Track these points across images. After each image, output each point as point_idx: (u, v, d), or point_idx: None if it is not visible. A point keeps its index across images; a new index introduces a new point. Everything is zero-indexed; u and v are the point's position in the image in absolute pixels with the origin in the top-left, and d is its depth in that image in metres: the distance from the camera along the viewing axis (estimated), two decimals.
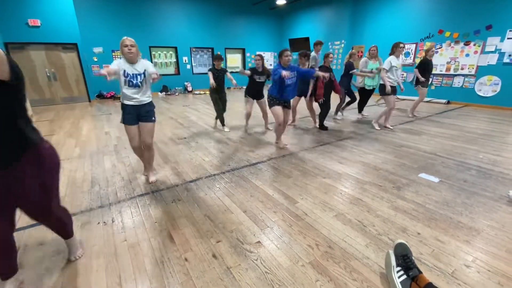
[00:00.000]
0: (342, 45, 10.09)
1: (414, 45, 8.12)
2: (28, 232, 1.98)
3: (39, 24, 7.32)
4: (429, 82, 5.57)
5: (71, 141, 4.30)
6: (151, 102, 2.65)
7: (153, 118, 2.65)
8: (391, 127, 4.87)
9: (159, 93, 10.42)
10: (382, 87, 4.56)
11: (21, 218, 2.16)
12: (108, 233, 1.96)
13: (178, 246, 1.80)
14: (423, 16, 7.72)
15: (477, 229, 1.94)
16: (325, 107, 4.67)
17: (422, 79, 5.31)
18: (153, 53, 10.20)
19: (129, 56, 2.39)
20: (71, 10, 7.62)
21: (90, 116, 6.29)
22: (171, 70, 10.86)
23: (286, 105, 3.66)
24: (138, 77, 2.45)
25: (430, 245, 1.77)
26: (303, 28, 11.76)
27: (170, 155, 3.60)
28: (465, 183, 2.67)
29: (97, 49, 8.89)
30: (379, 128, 4.81)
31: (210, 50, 11.60)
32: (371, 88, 5.37)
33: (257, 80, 4.37)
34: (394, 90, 4.54)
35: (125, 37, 2.42)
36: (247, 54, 12.62)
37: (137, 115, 2.58)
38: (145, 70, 2.48)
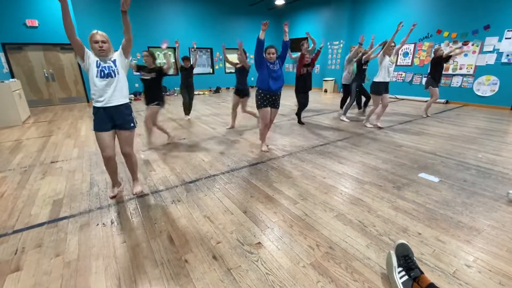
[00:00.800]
0: (341, 45, 10.10)
1: (413, 45, 8.13)
2: (26, 234, 1.96)
3: (37, 25, 7.29)
4: (440, 82, 5.57)
5: (69, 142, 4.28)
6: (128, 104, 2.30)
7: (132, 125, 2.33)
8: (382, 126, 4.89)
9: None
10: (374, 85, 4.62)
11: (19, 220, 2.15)
12: (107, 235, 1.95)
13: (178, 248, 1.79)
14: (422, 16, 7.73)
15: (477, 228, 1.94)
16: (302, 101, 5.16)
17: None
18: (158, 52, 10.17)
19: (100, 54, 2.15)
20: (69, 10, 7.58)
21: (88, 117, 6.26)
22: (170, 70, 10.82)
23: (274, 105, 3.50)
24: (112, 66, 2.18)
25: (431, 245, 1.77)
26: (302, 29, 11.75)
27: (169, 156, 3.59)
28: (465, 182, 2.68)
29: None
30: (371, 126, 4.87)
31: (209, 50, 11.58)
32: None
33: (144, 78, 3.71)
34: (384, 89, 4.58)
35: (94, 31, 2.17)
36: (246, 54, 12.58)
37: (111, 120, 2.22)
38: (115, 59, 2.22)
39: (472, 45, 6.84)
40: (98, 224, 2.08)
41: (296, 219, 2.10)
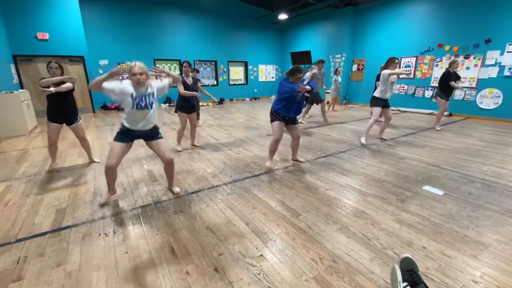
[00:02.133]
0: (343, 58, 10.25)
1: (414, 58, 8.23)
2: (29, 243, 1.96)
3: (48, 38, 7.53)
4: (451, 96, 5.55)
5: (74, 152, 4.33)
6: (156, 126, 2.56)
7: (160, 135, 2.58)
8: (386, 138, 4.88)
9: (162, 104, 10.53)
10: (373, 98, 4.61)
11: (22, 229, 2.16)
12: (109, 245, 1.94)
13: (179, 259, 1.78)
14: (423, 30, 7.87)
15: (484, 243, 1.90)
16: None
17: (458, 86, 5.27)
18: (157, 65, 10.39)
19: (138, 86, 2.30)
20: (79, 24, 7.85)
21: (93, 127, 6.35)
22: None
23: (292, 121, 3.34)
24: (148, 98, 2.35)
25: (436, 259, 1.74)
26: (305, 42, 11.99)
27: None
28: (470, 196, 2.64)
29: (103, 62, 9.08)
30: (364, 143, 4.57)
31: (213, 63, 11.81)
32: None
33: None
34: (383, 104, 4.54)
35: (132, 64, 2.25)
36: (250, 67, 12.83)
37: (136, 137, 2.49)
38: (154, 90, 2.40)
39: (474, 58, 6.90)
40: (100, 234, 2.08)
41: (298, 231, 2.08)
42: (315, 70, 6.12)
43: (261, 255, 1.80)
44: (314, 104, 6.55)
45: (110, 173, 2.45)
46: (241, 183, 3.04)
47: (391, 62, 4.38)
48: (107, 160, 2.38)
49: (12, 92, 5.67)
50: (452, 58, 7.59)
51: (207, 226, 2.17)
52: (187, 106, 4.14)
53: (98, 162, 3.82)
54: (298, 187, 2.89)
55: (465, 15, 6.96)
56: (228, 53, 12.00)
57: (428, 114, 7.80)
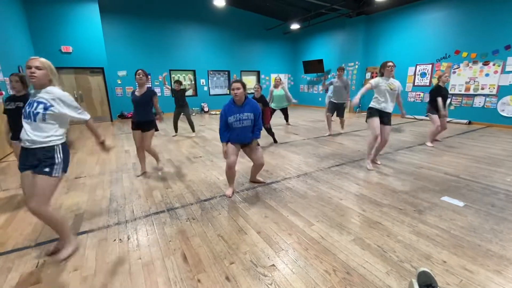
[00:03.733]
0: (356, 66, 10.18)
1: (430, 65, 8.06)
2: (47, 247, 2.03)
3: (71, 51, 7.96)
4: (446, 109, 4.85)
5: (92, 159, 4.48)
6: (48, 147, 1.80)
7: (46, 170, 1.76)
8: (379, 163, 3.91)
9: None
10: (367, 111, 3.70)
11: (41, 233, 2.24)
12: (123, 250, 1.98)
13: (191, 267, 1.78)
14: (439, 36, 7.72)
15: (508, 258, 1.79)
16: (271, 131, 5.37)
17: (441, 106, 4.69)
18: (172, 75, 10.71)
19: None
20: (100, 37, 8.26)
21: (111, 135, 6.57)
22: (189, 91, 11.29)
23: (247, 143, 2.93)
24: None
25: (457, 274, 1.65)
26: (317, 51, 12.03)
27: (186, 173, 3.66)
28: (493, 208, 2.52)
29: (121, 73, 9.46)
30: (371, 168, 3.70)
31: (226, 72, 12.03)
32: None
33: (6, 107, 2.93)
34: (380, 115, 3.57)
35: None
36: (262, 76, 12.96)
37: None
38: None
39: (493, 65, 6.68)
40: (115, 240, 2.12)
41: (311, 241, 2.04)
42: (334, 79, 5.97)
43: (273, 265, 1.78)
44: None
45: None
46: (253, 191, 3.03)
47: (383, 67, 3.57)
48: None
49: None
50: (440, 71, 7.41)
51: (218, 234, 2.17)
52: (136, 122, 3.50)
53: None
54: (311, 196, 2.85)
55: (483, 21, 6.78)
56: (241, 62, 12.20)
57: (448, 122, 7.54)
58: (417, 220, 2.31)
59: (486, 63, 6.81)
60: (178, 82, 6.09)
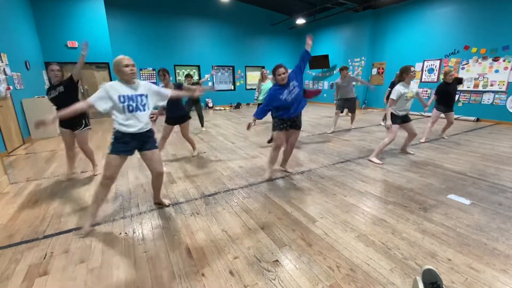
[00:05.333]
0: (362, 62, 10.05)
1: (438, 61, 7.91)
2: (55, 240, 2.07)
3: (77, 46, 8.00)
4: (452, 108, 4.89)
5: (98, 153, 4.52)
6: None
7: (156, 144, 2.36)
8: (412, 152, 4.22)
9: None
10: (392, 115, 3.72)
11: (49, 226, 2.27)
12: (128, 244, 2.01)
13: (195, 261, 1.80)
14: (447, 31, 7.57)
15: None
16: None
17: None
18: (177, 71, 10.71)
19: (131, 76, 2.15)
20: (105, 32, 8.28)
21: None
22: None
23: (294, 125, 3.12)
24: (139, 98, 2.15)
25: (462, 273, 1.64)
26: (322, 46, 11.90)
27: (190, 169, 3.68)
28: (500, 206, 2.48)
29: None
30: (381, 162, 3.77)
31: (231, 68, 11.99)
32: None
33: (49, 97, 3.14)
34: (403, 120, 3.81)
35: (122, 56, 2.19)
36: (267, 71, 12.87)
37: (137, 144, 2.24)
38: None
39: (504, 61, 6.53)
40: (121, 233, 2.15)
41: (315, 238, 2.04)
42: (338, 80, 5.99)
43: (277, 260, 1.79)
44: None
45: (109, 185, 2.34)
46: (257, 187, 3.04)
47: (406, 72, 3.53)
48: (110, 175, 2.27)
49: (44, 97, 6.05)
50: (448, 67, 7.30)
51: (223, 229, 2.18)
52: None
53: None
54: (315, 193, 2.85)
55: (493, 15, 6.61)
56: (245, 58, 12.14)
57: (455, 119, 7.42)
58: (422, 218, 2.29)
59: (496, 59, 6.66)
60: (189, 76, 5.97)
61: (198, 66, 11.07)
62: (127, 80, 2.16)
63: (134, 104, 2.13)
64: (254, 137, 5.60)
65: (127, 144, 2.18)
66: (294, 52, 13.34)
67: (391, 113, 3.71)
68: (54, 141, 5.59)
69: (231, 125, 7.15)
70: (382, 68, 9.68)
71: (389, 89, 6.41)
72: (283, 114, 3.02)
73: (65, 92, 3.05)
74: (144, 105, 2.19)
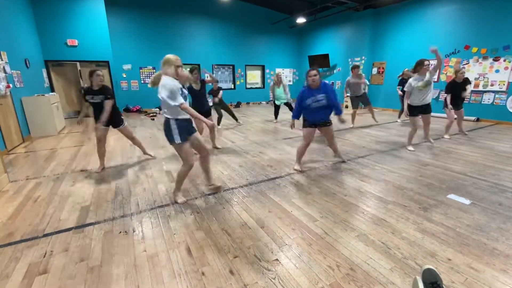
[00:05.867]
0: (363, 61, 10.03)
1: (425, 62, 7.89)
2: (55, 238, 2.07)
3: (77, 44, 7.98)
4: (460, 105, 5.05)
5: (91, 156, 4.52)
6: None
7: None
8: (432, 141, 4.61)
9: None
10: (408, 106, 4.22)
11: (49, 224, 2.27)
12: (128, 243, 2.00)
13: (195, 260, 1.80)
14: (448, 31, 7.55)
15: None
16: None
17: (449, 106, 4.95)
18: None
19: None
20: (105, 31, 8.26)
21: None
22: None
23: (321, 124, 3.39)
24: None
25: (462, 272, 1.64)
26: (323, 45, 11.87)
27: None
28: (500, 206, 2.48)
29: (126, 66, 9.48)
30: (413, 149, 4.32)
31: (231, 67, 11.97)
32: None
33: (90, 100, 3.50)
34: (420, 111, 4.18)
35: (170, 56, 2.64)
36: (267, 71, 12.87)
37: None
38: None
39: (504, 61, 6.53)
40: (120, 232, 2.15)
41: (315, 237, 2.04)
42: (349, 78, 6.27)
43: (277, 260, 1.79)
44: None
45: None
46: (257, 186, 3.04)
47: (421, 65, 3.98)
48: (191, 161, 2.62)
49: (43, 95, 6.04)
50: (455, 66, 7.38)
51: (223, 228, 2.18)
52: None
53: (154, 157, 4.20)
54: (315, 192, 2.85)
55: (494, 15, 6.60)
56: (246, 57, 12.12)
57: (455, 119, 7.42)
58: (422, 218, 2.29)
59: (496, 59, 6.65)
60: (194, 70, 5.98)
61: (198, 65, 11.05)
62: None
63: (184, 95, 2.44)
64: (253, 136, 5.59)
65: (187, 128, 2.50)
66: (294, 51, 13.32)
67: (408, 105, 4.17)
68: (54, 139, 5.59)
69: (231, 124, 7.14)
70: (383, 68, 9.67)
71: (399, 87, 6.90)
72: (309, 116, 3.35)
73: (106, 99, 3.51)
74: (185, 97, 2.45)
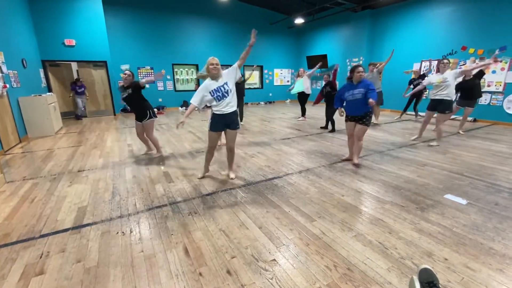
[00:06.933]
0: (361, 61, 10.06)
1: (436, 62, 7.93)
2: (52, 239, 2.06)
3: (74, 44, 7.95)
4: (476, 102, 5.54)
5: (96, 152, 4.51)
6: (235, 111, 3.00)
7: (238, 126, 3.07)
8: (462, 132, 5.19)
9: (180, 108, 10.79)
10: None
11: (46, 225, 2.26)
12: (126, 243, 2.00)
13: (193, 260, 1.80)
14: (445, 32, 7.59)
15: (511, 256, 1.78)
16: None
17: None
18: (175, 70, 10.68)
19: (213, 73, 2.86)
20: (103, 31, 8.23)
21: (114, 129, 6.59)
22: (192, 86, 11.26)
23: (357, 119, 3.56)
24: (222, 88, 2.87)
25: (459, 272, 1.65)
26: (321, 45, 11.90)
27: (188, 168, 3.67)
28: (496, 206, 2.50)
29: (124, 66, 9.45)
30: (438, 144, 4.65)
31: (229, 67, 11.96)
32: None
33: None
34: (434, 107, 4.54)
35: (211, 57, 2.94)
36: (265, 71, 12.89)
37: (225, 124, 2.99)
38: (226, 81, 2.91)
39: (500, 61, 6.57)
40: (118, 233, 2.14)
41: (312, 237, 2.05)
42: (365, 74, 6.41)
43: (274, 260, 1.79)
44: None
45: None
46: (254, 186, 3.04)
47: (439, 63, 4.38)
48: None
49: (40, 95, 6.01)
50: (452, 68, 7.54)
51: (220, 228, 2.18)
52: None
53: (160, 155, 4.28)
54: (313, 192, 2.85)
55: (490, 16, 6.64)
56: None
57: (452, 119, 7.47)
58: (419, 218, 2.30)
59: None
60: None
61: (196, 65, 11.05)
62: (212, 76, 2.88)
63: (220, 93, 2.88)
64: (252, 137, 5.59)
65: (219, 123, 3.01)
66: (292, 51, 13.34)
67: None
68: (51, 139, 5.56)
69: None
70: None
71: (409, 86, 7.29)
72: (347, 108, 3.64)
73: (132, 93, 3.79)
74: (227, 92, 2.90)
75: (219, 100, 2.88)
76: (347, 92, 3.50)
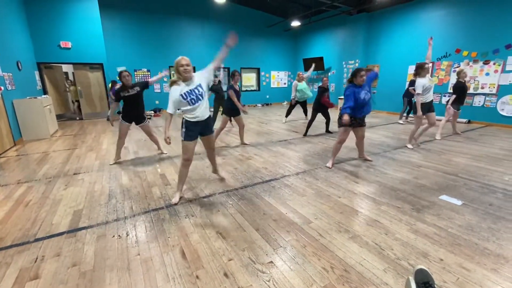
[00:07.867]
0: (357, 64, 10.14)
1: (431, 64, 8.02)
2: (46, 243, 2.04)
3: (70, 46, 7.91)
4: (461, 105, 5.53)
5: (91, 155, 4.48)
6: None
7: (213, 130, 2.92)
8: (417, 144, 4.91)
9: (177, 110, 10.77)
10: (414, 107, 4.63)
11: (40, 228, 2.24)
12: (122, 247, 1.98)
13: (190, 263, 1.79)
14: (440, 35, 7.69)
15: (505, 257, 1.80)
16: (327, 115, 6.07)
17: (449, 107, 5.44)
18: (172, 72, 10.67)
19: (184, 75, 2.50)
20: (99, 33, 8.21)
21: (110, 132, 6.55)
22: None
23: (360, 121, 3.66)
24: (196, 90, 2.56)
25: (454, 272, 1.66)
26: (317, 48, 11.99)
27: None
28: (490, 206, 2.53)
29: (120, 69, 9.41)
30: (412, 147, 4.70)
31: (226, 69, 11.99)
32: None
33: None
34: (427, 109, 4.57)
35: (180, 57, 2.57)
36: (262, 73, 12.93)
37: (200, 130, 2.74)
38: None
39: (494, 64, 6.67)
40: (114, 236, 2.13)
41: (309, 239, 2.05)
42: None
43: (271, 262, 1.79)
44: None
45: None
46: (251, 188, 3.04)
47: (422, 67, 4.44)
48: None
49: (35, 98, 5.96)
50: (458, 69, 7.54)
51: (217, 231, 2.17)
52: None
53: (166, 154, 4.52)
54: (310, 194, 2.86)
55: (484, 19, 6.76)
56: (241, 59, 12.15)
57: (446, 121, 7.54)
58: (415, 219, 2.32)
59: (486, 62, 6.80)
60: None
61: (194, 68, 11.03)
62: (184, 78, 2.52)
63: (193, 96, 2.56)
64: (248, 139, 5.59)
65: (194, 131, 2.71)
66: (289, 54, 13.41)
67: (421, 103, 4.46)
68: (46, 142, 5.51)
69: (226, 127, 7.13)
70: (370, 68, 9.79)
71: (411, 87, 7.10)
72: (357, 112, 3.53)
73: (141, 91, 3.89)
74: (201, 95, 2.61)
75: (193, 104, 2.54)
76: (361, 94, 3.42)
